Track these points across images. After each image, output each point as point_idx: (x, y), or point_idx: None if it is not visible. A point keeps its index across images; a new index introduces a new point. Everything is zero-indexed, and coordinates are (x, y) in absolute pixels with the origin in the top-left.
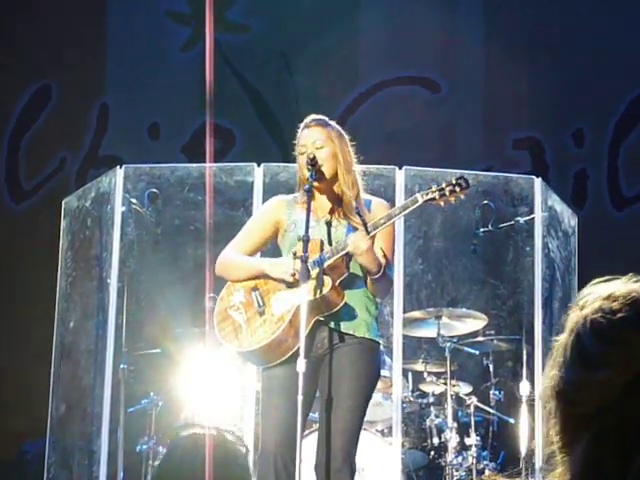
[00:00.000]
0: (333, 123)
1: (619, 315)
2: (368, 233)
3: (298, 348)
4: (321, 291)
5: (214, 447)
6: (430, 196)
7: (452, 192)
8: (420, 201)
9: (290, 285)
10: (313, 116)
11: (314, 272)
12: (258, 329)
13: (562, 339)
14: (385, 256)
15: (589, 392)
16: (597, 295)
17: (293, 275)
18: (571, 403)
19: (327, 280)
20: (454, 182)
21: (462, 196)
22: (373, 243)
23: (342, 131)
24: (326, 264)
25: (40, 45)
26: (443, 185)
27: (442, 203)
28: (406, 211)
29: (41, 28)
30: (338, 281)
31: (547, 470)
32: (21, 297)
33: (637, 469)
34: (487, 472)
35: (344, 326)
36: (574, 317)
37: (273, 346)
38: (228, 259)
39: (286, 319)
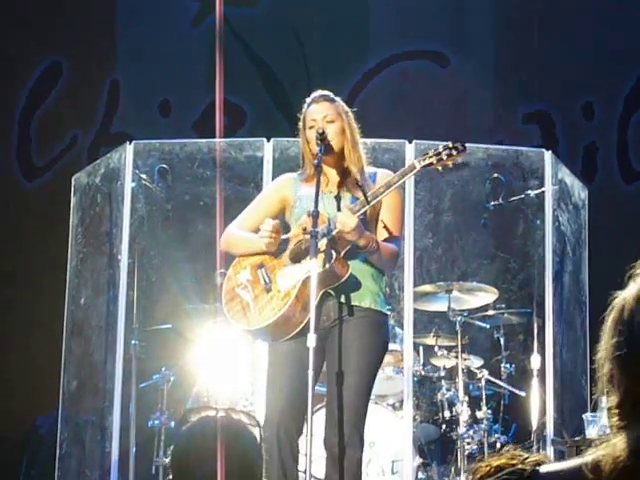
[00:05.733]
0: (339, 99)
1: None
2: (368, 203)
3: (307, 322)
4: (327, 264)
5: (224, 429)
6: (427, 161)
7: (449, 156)
8: (418, 167)
9: (295, 260)
10: (320, 92)
11: (321, 244)
12: (265, 306)
13: (628, 300)
14: (386, 227)
15: None
16: None
17: (265, 236)
18: (633, 377)
19: (332, 253)
20: (450, 146)
21: (459, 159)
22: (378, 214)
23: (347, 108)
24: (327, 238)
25: (50, 22)
26: (440, 149)
27: (440, 168)
28: (404, 178)
29: (51, 4)
30: (343, 252)
31: (559, 443)
32: (32, 274)
33: None
34: (499, 445)
35: (349, 298)
36: None
37: (281, 322)
38: (231, 235)
39: (292, 294)
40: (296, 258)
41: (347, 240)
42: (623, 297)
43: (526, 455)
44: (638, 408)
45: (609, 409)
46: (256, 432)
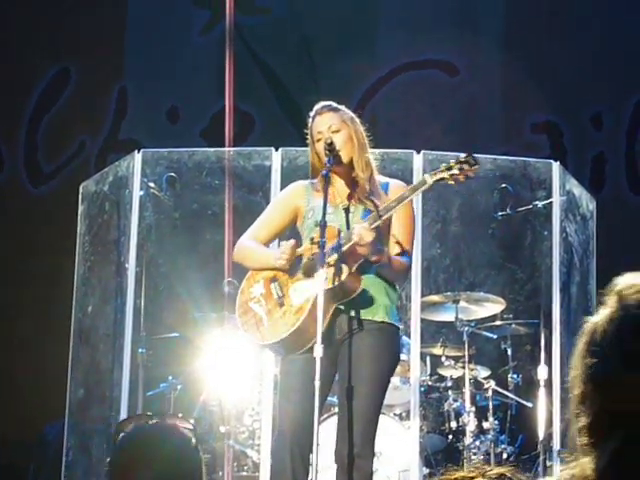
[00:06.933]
0: (343, 107)
1: None
2: (380, 217)
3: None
4: (339, 278)
5: (156, 434)
6: (439, 176)
7: (461, 170)
8: (430, 181)
9: (308, 274)
10: (322, 103)
11: (331, 259)
12: (278, 321)
13: (599, 323)
14: (398, 242)
15: (627, 391)
16: None
17: (283, 259)
18: (607, 397)
19: (344, 267)
20: (462, 160)
21: (471, 174)
22: (390, 227)
23: (352, 113)
24: (338, 253)
25: (58, 28)
26: (451, 164)
27: (453, 182)
28: (416, 192)
29: (60, 11)
30: (355, 266)
31: (565, 454)
32: (39, 281)
33: None
34: (505, 456)
35: (363, 312)
36: (614, 305)
37: (294, 337)
38: (245, 248)
39: (305, 309)
40: (309, 272)
41: (359, 254)
42: (594, 322)
43: (489, 468)
44: (607, 428)
45: (579, 430)
46: (190, 434)
